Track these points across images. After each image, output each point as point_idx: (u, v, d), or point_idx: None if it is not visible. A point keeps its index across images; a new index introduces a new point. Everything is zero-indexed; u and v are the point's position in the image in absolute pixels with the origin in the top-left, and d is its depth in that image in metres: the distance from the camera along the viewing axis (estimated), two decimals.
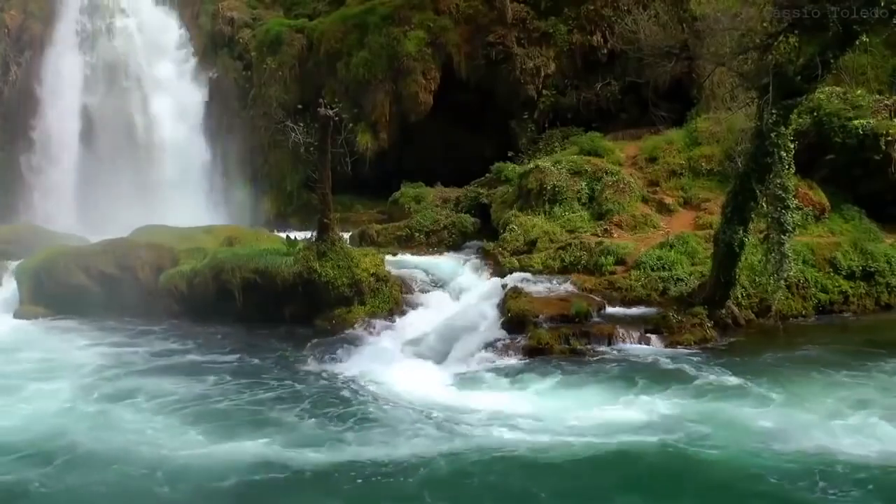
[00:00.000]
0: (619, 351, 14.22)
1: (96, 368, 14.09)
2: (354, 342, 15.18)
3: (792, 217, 13.96)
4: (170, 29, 29.34)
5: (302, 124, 18.52)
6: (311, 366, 14.19)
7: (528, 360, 13.88)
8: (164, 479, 9.66)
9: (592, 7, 25.23)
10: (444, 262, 19.31)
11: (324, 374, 13.70)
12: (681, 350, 14.12)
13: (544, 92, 25.37)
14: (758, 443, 10.24)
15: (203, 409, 11.97)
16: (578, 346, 14.22)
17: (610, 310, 15.67)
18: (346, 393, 12.68)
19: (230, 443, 10.65)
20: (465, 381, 13.11)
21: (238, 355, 14.84)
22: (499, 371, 13.46)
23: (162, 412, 11.87)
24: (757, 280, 15.61)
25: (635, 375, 12.80)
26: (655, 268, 16.62)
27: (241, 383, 13.18)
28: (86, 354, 15.03)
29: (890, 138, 18.34)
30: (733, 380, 12.45)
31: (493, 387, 12.77)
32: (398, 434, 10.87)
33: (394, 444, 10.52)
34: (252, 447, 10.50)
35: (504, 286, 16.28)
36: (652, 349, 14.28)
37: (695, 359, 13.59)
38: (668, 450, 10.15)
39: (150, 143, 27.73)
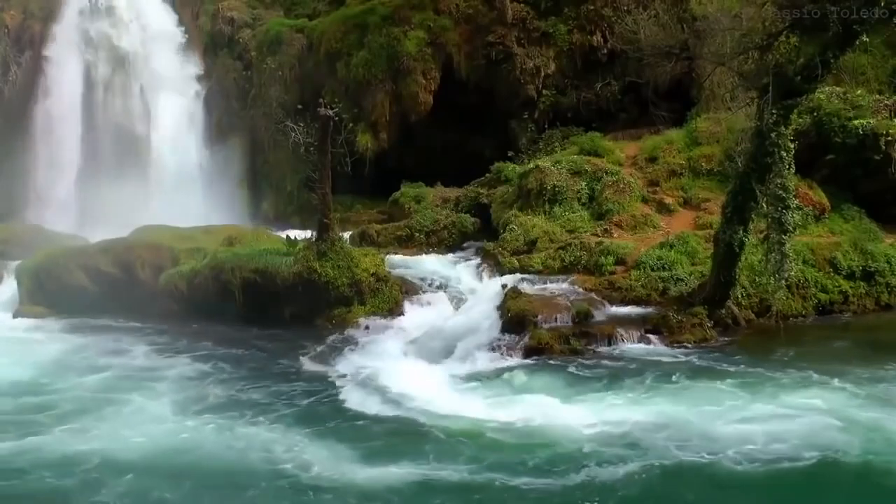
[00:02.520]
0: (620, 351, 14.23)
1: (170, 377, 13.58)
2: (356, 342, 15.18)
3: (792, 217, 13.94)
4: (170, 29, 29.33)
5: (302, 124, 18.57)
6: (340, 369, 13.94)
7: (532, 361, 13.89)
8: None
9: (592, 7, 25.21)
10: (443, 263, 19.30)
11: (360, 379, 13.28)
12: (690, 349, 14.14)
13: (544, 92, 25.36)
14: None
15: (334, 425, 11.36)
16: (578, 347, 14.24)
17: (610, 310, 15.67)
18: (382, 401, 12.21)
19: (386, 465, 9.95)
20: (494, 384, 12.77)
21: (278, 361, 14.54)
22: (530, 373, 13.18)
23: (277, 425, 11.27)
24: (757, 280, 15.61)
25: (707, 379, 12.53)
26: (655, 268, 16.62)
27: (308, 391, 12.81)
28: (144, 362, 14.58)
29: (890, 138, 18.34)
30: (810, 379, 12.26)
31: (556, 395, 12.07)
32: (527, 455, 10.03)
33: (526, 463, 9.79)
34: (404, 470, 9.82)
35: (504, 286, 16.27)
36: (654, 349, 14.29)
37: (723, 358, 13.57)
38: (853, 461, 9.53)
39: (151, 143, 27.73)
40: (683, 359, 13.67)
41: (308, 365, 14.26)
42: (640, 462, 9.72)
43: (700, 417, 11.00)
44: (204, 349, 15.30)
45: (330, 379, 13.43)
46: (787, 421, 10.76)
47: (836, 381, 12.14)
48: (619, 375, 12.93)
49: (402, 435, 10.90)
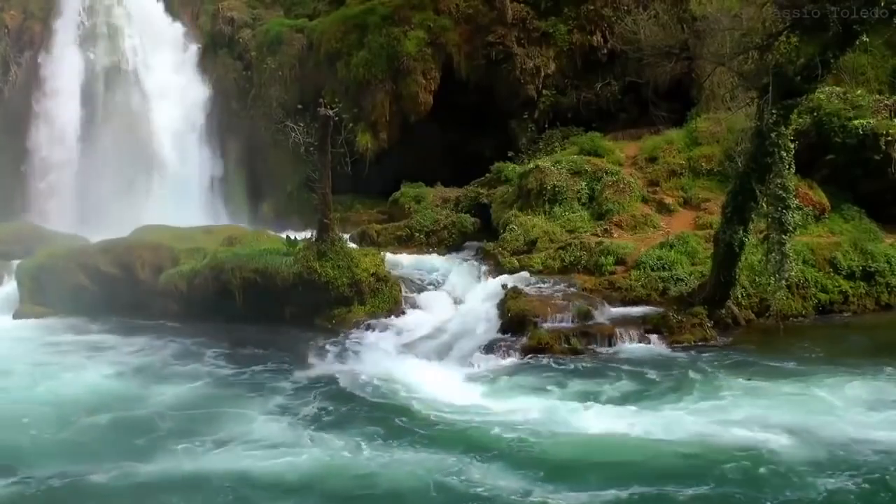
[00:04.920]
0: (621, 351, 14.25)
1: (247, 387, 13.15)
2: (357, 342, 15.19)
3: (792, 217, 13.96)
4: (170, 29, 29.32)
5: (302, 124, 18.51)
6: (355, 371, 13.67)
7: (530, 360, 13.90)
8: None
9: (592, 7, 25.19)
10: (444, 263, 19.31)
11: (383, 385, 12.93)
12: (699, 349, 14.13)
13: (544, 92, 25.34)
14: None
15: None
16: (579, 347, 14.25)
17: (610, 310, 15.67)
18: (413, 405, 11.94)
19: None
20: (515, 386, 12.59)
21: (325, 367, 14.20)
22: (560, 377, 13.02)
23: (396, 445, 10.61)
24: (757, 280, 15.63)
25: (764, 379, 12.24)
26: (655, 268, 16.63)
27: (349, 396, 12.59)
28: (224, 371, 14.13)
29: (890, 138, 18.35)
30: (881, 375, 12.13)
31: (627, 401, 11.80)
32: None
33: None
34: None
35: (504, 286, 16.28)
36: (654, 349, 14.31)
37: (749, 356, 13.55)
38: None
39: (150, 143, 27.67)
40: (701, 358, 13.55)
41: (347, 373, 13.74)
42: (829, 473, 9.07)
43: (826, 422, 10.42)
44: (254, 358, 14.73)
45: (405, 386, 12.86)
46: None
47: None
48: (653, 378, 12.73)
49: (529, 455, 10.24)
